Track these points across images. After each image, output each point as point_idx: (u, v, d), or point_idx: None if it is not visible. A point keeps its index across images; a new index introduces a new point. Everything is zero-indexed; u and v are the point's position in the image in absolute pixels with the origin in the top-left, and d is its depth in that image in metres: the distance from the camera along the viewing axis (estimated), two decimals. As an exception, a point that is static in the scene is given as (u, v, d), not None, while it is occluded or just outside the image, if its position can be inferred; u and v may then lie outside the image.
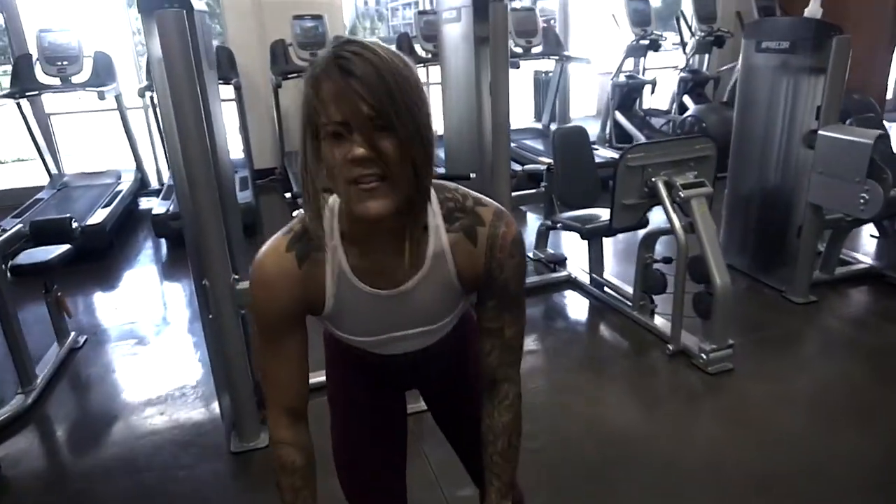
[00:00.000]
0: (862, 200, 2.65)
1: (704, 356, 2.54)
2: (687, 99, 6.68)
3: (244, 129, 5.45)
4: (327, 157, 0.79)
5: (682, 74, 6.64)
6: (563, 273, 3.53)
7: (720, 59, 6.83)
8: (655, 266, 2.86)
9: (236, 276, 2.05)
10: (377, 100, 0.76)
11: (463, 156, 3.15)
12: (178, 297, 3.72)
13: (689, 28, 6.37)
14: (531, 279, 3.39)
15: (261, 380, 1.08)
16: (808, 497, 1.92)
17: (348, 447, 1.22)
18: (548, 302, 3.33)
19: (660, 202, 2.61)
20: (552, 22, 6.94)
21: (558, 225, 3.30)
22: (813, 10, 2.87)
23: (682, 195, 2.52)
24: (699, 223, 2.52)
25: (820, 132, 2.81)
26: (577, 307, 3.29)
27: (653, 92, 6.73)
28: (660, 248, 2.94)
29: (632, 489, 1.99)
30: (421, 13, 5.64)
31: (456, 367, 1.21)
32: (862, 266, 3.38)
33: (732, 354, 2.57)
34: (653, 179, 2.60)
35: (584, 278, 3.40)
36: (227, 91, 4.87)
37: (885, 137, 2.61)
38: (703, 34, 6.36)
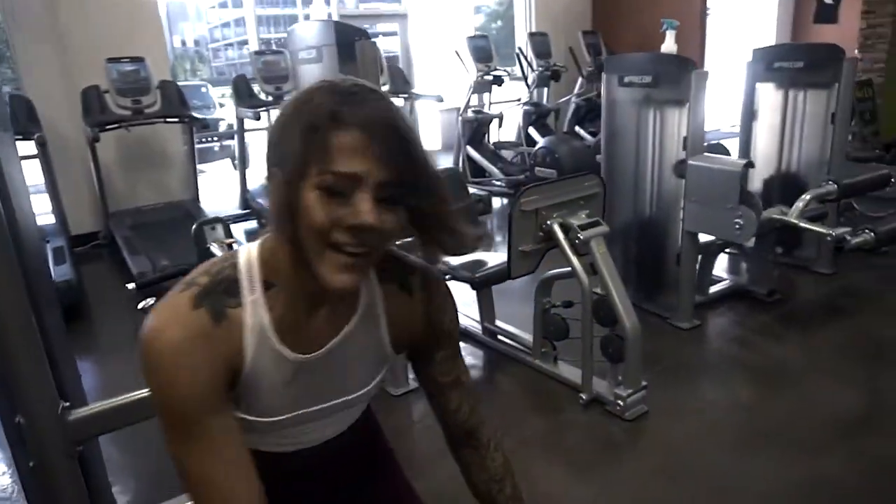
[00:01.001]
0: (737, 225, 2.72)
1: (621, 402, 2.41)
2: (532, 131, 6.91)
3: (53, 190, 4.61)
4: (307, 213, 0.69)
5: (526, 107, 6.87)
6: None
7: (556, 91, 7.16)
8: (554, 311, 2.72)
9: (66, 404, 1.52)
10: (397, 170, 0.70)
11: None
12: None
13: (529, 63, 6.59)
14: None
15: (200, 488, 0.77)
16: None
17: None
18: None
19: (557, 245, 2.47)
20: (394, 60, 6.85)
21: (447, 276, 3.05)
22: (669, 46, 2.95)
23: (582, 237, 2.39)
24: (601, 264, 2.41)
25: (689, 162, 2.87)
26: (470, 361, 3.05)
27: (500, 125, 6.86)
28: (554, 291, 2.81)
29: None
30: (258, 53, 5.21)
31: (369, 466, 1.09)
32: (728, 284, 3.53)
33: (646, 395, 2.48)
34: (548, 222, 2.45)
35: (475, 328, 3.18)
36: (28, 147, 4.09)
37: (751, 164, 2.71)
38: (541, 69, 6.63)
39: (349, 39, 2.32)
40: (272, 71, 5.23)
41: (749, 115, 3.81)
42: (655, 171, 3.12)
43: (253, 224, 5.42)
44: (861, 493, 2.01)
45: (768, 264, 3.42)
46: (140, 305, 1.80)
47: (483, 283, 2.88)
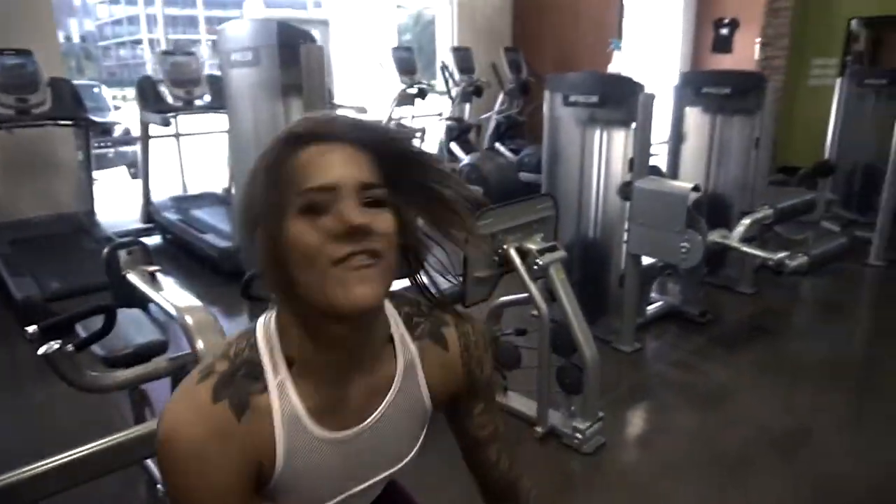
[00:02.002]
0: (684, 249, 2.72)
1: (580, 435, 2.31)
2: (454, 146, 6.83)
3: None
4: (298, 242, 0.64)
5: (448, 122, 6.78)
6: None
7: (476, 108, 7.14)
8: (505, 339, 2.59)
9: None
10: (371, 165, 0.68)
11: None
12: None
13: (453, 78, 6.53)
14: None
15: None
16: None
17: None
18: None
19: (513, 271, 2.34)
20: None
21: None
22: (615, 66, 2.92)
23: (541, 262, 2.28)
24: (560, 291, 2.30)
25: (636, 184, 2.85)
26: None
27: (422, 140, 6.73)
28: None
29: None
30: (166, 54, 4.78)
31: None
32: (662, 305, 3.56)
33: (602, 426, 2.40)
34: (504, 247, 2.32)
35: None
36: None
37: (697, 188, 2.72)
38: (464, 84, 6.58)
39: (292, 41, 2.09)
40: (182, 73, 4.82)
41: (677, 138, 3.89)
42: (599, 192, 3.08)
43: (157, 240, 4.94)
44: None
45: (699, 285, 3.49)
46: (41, 350, 1.48)
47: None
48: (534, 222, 2.44)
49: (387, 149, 0.69)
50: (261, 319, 0.74)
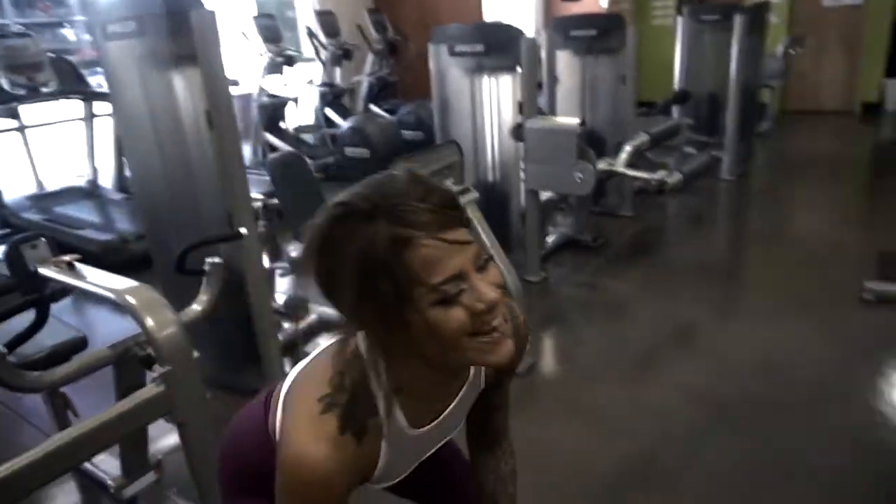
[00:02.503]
0: (578, 179, 2.95)
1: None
2: (330, 111, 6.73)
3: None
4: (443, 328, 0.69)
5: (321, 88, 6.65)
6: (311, 319, 3.10)
7: (347, 71, 7.05)
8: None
9: None
10: (461, 221, 0.73)
11: (163, 214, 2.41)
12: None
13: (321, 43, 6.38)
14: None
15: None
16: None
17: None
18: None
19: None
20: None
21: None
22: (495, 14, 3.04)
23: (458, 205, 2.39)
24: (479, 228, 2.44)
25: (527, 125, 3.03)
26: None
27: (297, 108, 6.57)
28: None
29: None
30: (-2, 36, 4.25)
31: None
32: (558, 236, 3.84)
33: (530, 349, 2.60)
34: (420, 194, 2.41)
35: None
36: None
37: (583, 123, 2.95)
38: (332, 48, 6.46)
39: (181, 8, 1.98)
40: (20, 58, 4.32)
41: (552, 79, 4.13)
42: (493, 136, 3.24)
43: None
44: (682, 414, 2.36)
45: (588, 215, 3.80)
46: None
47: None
48: (444, 168, 2.54)
49: (455, 203, 0.73)
50: (355, 342, 0.80)
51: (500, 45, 3.02)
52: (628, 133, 3.62)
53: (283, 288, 3.32)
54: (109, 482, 1.99)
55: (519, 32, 2.96)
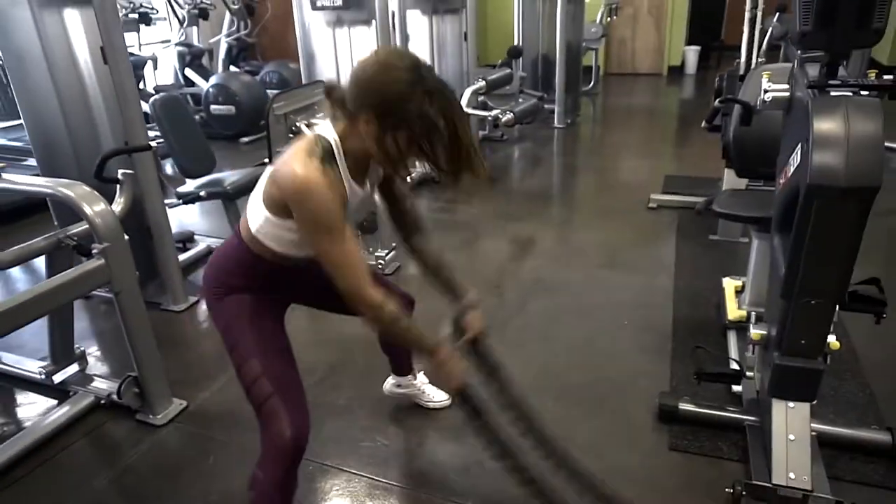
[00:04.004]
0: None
1: (382, 262, 3.04)
2: (190, 72, 6.76)
3: None
4: (406, 152, 1.19)
5: (179, 48, 6.65)
6: (199, 248, 3.43)
7: (205, 32, 7.08)
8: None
9: None
10: None
11: (60, 144, 2.64)
12: None
13: (177, 1, 6.37)
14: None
15: (346, 266, 1.26)
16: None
17: (263, 350, 1.40)
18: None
19: (307, 144, 2.89)
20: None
21: (194, 197, 3.16)
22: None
23: (330, 132, 2.86)
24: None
25: (384, 71, 3.53)
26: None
27: (156, 68, 6.54)
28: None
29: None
30: None
31: None
32: (416, 173, 4.41)
33: (396, 254, 3.16)
34: (297, 124, 2.85)
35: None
36: None
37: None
38: (188, 7, 6.48)
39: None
40: None
41: (404, 35, 4.65)
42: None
43: None
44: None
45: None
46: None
47: (236, 193, 3.12)
48: (314, 104, 2.99)
49: None
50: (322, 128, 1.27)
51: (357, 1, 3.48)
52: (471, 82, 4.26)
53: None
54: (38, 371, 2.28)
55: (373, -12, 3.44)
